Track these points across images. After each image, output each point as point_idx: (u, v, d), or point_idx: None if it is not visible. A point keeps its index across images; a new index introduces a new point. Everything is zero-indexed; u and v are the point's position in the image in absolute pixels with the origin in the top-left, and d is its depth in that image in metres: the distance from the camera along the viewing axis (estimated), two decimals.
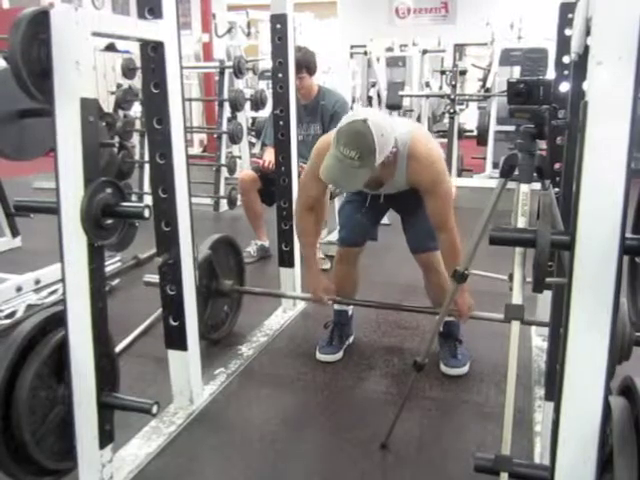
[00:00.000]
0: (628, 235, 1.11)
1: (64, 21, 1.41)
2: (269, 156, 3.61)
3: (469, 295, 2.32)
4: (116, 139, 4.45)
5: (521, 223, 1.55)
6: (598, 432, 1.14)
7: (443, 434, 2.06)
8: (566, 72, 1.85)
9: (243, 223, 5.26)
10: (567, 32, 1.80)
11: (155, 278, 2.05)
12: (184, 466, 1.87)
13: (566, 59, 1.84)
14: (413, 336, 2.80)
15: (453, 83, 6.49)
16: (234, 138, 5.56)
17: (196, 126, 8.97)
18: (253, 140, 6.91)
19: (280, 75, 2.80)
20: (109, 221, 1.55)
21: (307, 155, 3.62)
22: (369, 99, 6.39)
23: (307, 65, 3.61)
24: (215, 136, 5.88)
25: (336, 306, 2.66)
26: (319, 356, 2.57)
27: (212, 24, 7.66)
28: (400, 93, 6.54)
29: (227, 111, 5.61)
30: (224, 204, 5.53)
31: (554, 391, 1.20)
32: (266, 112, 5.79)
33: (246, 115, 6.21)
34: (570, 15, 1.69)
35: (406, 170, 2.18)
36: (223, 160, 5.66)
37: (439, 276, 2.43)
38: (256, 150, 6.84)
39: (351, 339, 2.72)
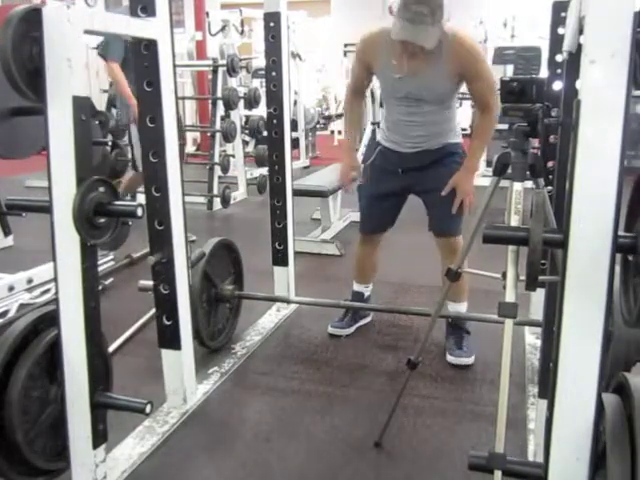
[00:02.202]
0: (621, 233, 1.11)
1: (56, 19, 1.40)
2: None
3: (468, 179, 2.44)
4: (109, 137, 4.44)
5: (514, 221, 1.55)
6: (591, 429, 1.14)
7: (437, 432, 2.06)
8: (559, 70, 1.85)
9: (236, 221, 5.27)
10: (560, 31, 1.80)
11: (149, 283, 2.04)
12: (178, 465, 1.87)
13: (559, 58, 1.84)
14: (407, 335, 2.80)
15: None
16: (227, 136, 5.55)
17: (189, 124, 8.94)
18: (246, 138, 6.89)
19: (274, 73, 2.79)
20: (102, 220, 1.54)
21: None
22: None
23: None
24: (208, 134, 5.87)
25: (354, 287, 2.85)
26: (329, 329, 2.79)
27: (205, 22, 7.64)
28: None
29: (220, 109, 5.60)
30: (217, 203, 5.52)
31: (547, 389, 1.21)
32: (260, 110, 5.80)
33: (240, 113, 6.20)
34: (563, 14, 1.70)
35: (450, 53, 2.27)
36: (217, 159, 5.64)
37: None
38: (250, 148, 6.83)
39: (366, 320, 2.89)
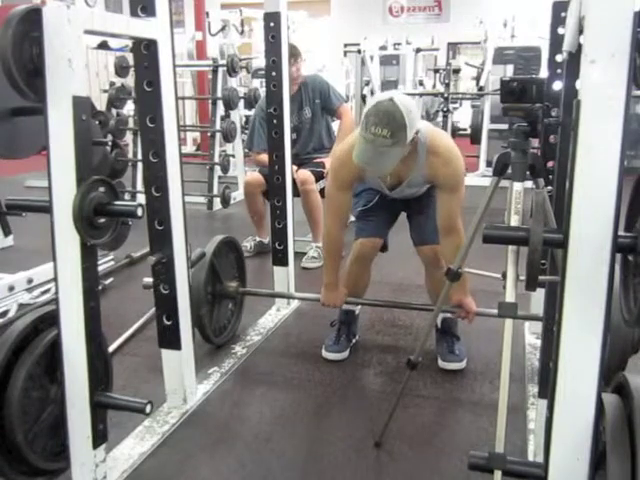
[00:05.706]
0: (621, 233, 1.11)
1: (56, 19, 1.40)
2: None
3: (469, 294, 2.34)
4: (109, 137, 4.44)
5: (514, 221, 1.55)
6: (591, 429, 1.14)
7: (437, 432, 2.06)
8: (559, 70, 1.85)
9: (236, 221, 5.27)
10: (560, 31, 1.80)
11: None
12: (178, 465, 1.87)
13: (559, 57, 1.84)
14: (407, 334, 2.80)
15: (446, 81, 6.51)
16: (227, 137, 5.55)
17: (189, 124, 8.95)
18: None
19: (274, 73, 2.79)
20: (102, 220, 1.54)
21: (309, 141, 3.99)
22: (363, 97, 6.40)
23: (299, 53, 3.84)
24: (208, 134, 5.87)
25: (344, 305, 2.62)
26: (326, 354, 2.57)
27: (205, 22, 7.65)
28: None
29: (220, 109, 5.60)
30: (217, 202, 5.53)
31: (547, 389, 1.21)
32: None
33: (240, 113, 6.20)
34: (563, 14, 1.69)
35: (426, 163, 2.15)
36: (216, 159, 5.64)
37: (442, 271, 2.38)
38: None
39: (356, 338, 2.70)
